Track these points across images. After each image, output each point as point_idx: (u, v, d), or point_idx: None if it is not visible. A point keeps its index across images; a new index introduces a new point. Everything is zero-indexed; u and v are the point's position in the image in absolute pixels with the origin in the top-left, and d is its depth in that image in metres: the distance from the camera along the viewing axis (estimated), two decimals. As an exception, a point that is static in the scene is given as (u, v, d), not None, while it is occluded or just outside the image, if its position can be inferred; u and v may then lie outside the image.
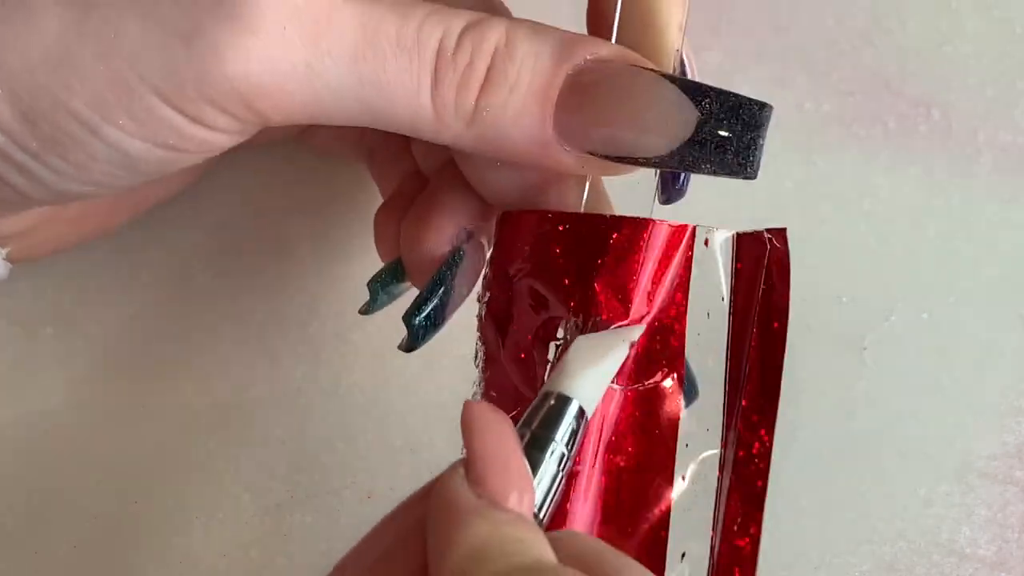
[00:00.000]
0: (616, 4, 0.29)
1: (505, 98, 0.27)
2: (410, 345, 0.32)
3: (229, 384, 0.37)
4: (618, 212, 0.31)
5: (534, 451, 0.25)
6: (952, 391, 0.38)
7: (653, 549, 0.28)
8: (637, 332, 0.28)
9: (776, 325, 0.29)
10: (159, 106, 0.26)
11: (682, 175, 0.32)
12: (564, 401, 0.26)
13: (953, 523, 0.38)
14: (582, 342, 0.28)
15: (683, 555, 0.29)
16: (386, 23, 0.27)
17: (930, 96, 0.40)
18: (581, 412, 0.26)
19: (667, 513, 0.28)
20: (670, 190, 0.31)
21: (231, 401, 0.37)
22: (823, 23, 0.40)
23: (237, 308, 0.38)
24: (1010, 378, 0.38)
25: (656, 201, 0.31)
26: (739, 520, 0.29)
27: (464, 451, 0.24)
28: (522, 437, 0.25)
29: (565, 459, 0.25)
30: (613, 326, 0.28)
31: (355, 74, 0.26)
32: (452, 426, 0.37)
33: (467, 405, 0.25)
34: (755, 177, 0.27)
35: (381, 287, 0.33)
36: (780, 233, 0.29)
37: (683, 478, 0.29)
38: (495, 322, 0.30)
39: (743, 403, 0.29)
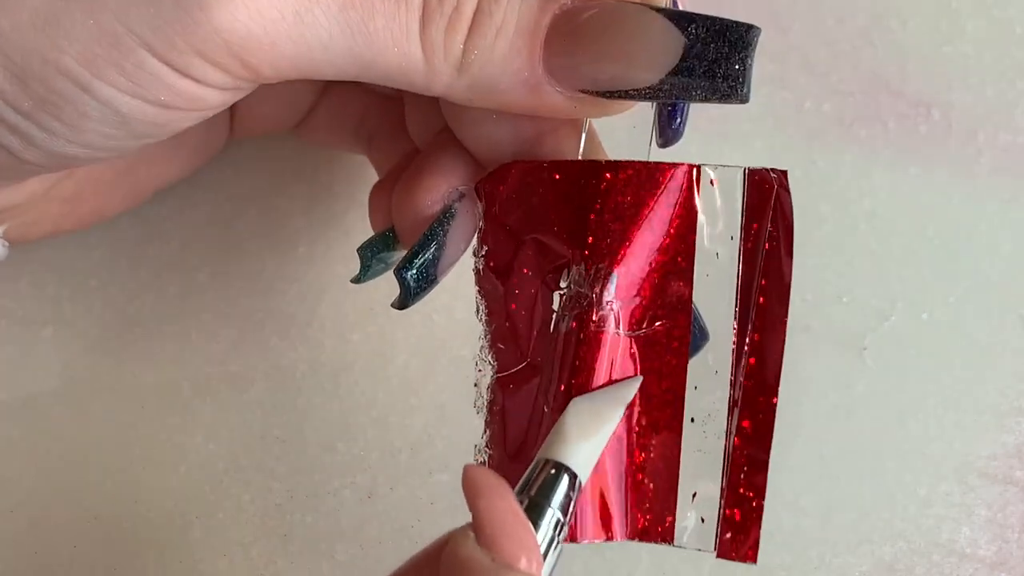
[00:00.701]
0: None
1: (492, 40, 0.27)
2: (402, 302, 0.31)
3: (229, 384, 0.37)
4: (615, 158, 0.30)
5: (532, 516, 0.26)
6: (952, 391, 0.38)
7: (668, 492, 0.29)
8: (634, 388, 0.28)
9: (783, 270, 0.29)
10: (149, 60, 0.26)
11: (678, 116, 0.32)
12: (560, 469, 0.26)
13: (953, 523, 0.38)
14: (579, 406, 0.28)
15: (694, 495, 0.29)
16: None
17: (930, 96, 0.40)
18: (575, 479, 0.26)
19: (678, 454, 0.29)
20: (667, 132, 0.31)
21: (231, 401, 0.37)
22: (823, 23, 0.40)
23: (237, 308, 0.38)
24: (1010, 378, 0.38)
25: (654, 144, 0.31)
26: (745, 468, 0.29)
27: (471, 514, 0.25)
28: (520, 503, 0.26)
29: (561, 525, 0.26)
30: (615, 273, 0.28)
31: (344, 23, 0.27)
32: (452, 426, 0.37)
33: (468, 469, 0.25)
34: (747, 100, 0.27)
35: (372, 253, 0.33)
36: (783, 173, 0.29)
37: (692, 420, 0.29)
38: (495, 274, 0.30)
39: (755, 337, 0.29)
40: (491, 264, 0.30)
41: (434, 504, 0.37)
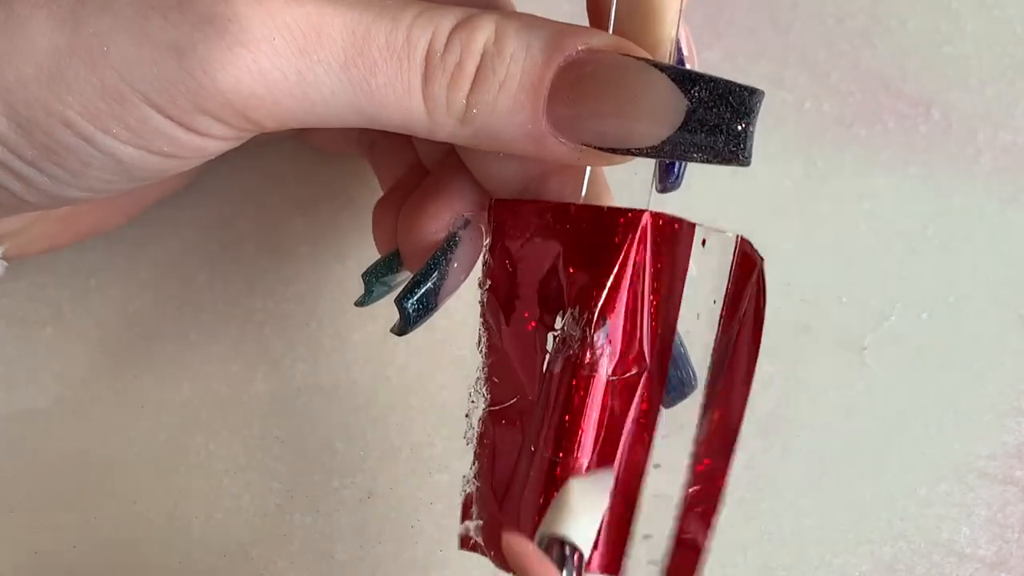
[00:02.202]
0: None
1: (495, 95, 0.27)
2: (402, 328, 0.32)
3: (229, 384, 0.37)
4: (618, 201, 0.30)
5: None
6: (952, 391, 0.38)
7: (618, 531, 0.29)
8: (609, 478, 0.29)
9: (751, 351, 0.29)
10: (153, 116, 0.26)
11: (677, 165, 0.32)
12: (566, 545, 0.26)
13: (953, 523, 0.38)
14: (575, 485, 0.28)
15: (645, 536, 0.29)
16: (375, 29, 0.27)
17: (930, 96, 0.40)
18: (580, 556, 0.27)
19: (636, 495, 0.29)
20: (666, 180, 0.31)
21: (231, 401, 0.37)
22: (823, 23, 0.40)
23: (237, 308, 0.38)
24: (1010, 378, 0.38)
25: (654, 191, 0.31)
26: (695, 518, 0.29)
27: None
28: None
29: None
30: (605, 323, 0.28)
31: (346, 81, 0.27)
32: (452, 426, 0.37)
33: (514, 540, 0.26)
34: (748, 164, 0.27)
35: (375, 279, 0.33)
36: (758, 257, 0.29)
37: (656, 467, 0.29)
38: (496, 309, 0.30)
39: (715, 417, 0.29)
40: (494, 299, 0.30)
41: (434, 504, 0.37)
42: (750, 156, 0.27)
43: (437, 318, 0.38)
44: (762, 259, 0.29)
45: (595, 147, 0.28)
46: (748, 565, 0.37)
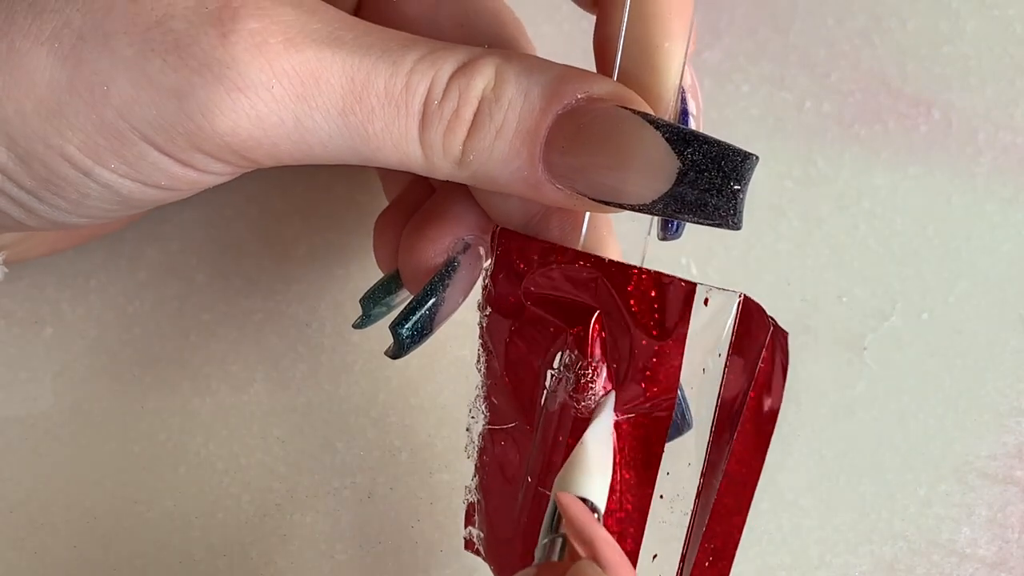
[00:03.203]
0: (619, 44, 0.29)
1: (491, 142, 0.27)
2: (396, 353, 0.32)
3: (229, 384, 0.37)
4: (619, 235, 0.31)
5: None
6: (952, 391, 0.38)
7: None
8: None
9: (768, 412, 0.29)
10: (150, 152, 0.27)
11: (674, 224, 0.32)
12: (586, 504, 0.26)
13: (953, 523, 0.38)
14: (591, 441, 0.28)
15: (654, 557, 0.30)
16: (375, 75, 0.27)
17: (930, 96, 0.40)
18: (595, 511, 0.27)
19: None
20: (666, 231, 0.32)
21: (231, 401, 0.37)
22: (823, 23, 0.40)
23: (236, 308, 0.38)
24: (1010, 378, 0.38)
25: (653, 237, 0.31)
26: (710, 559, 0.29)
27: (592, 545, 0.25)
28: (552, 543, 0.26)
29: None
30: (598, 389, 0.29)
31: (343, 126, 0.27)
32: (452, 426, 0.37)
33: (570, 500, 0.25)
34: (739, 228, 0.27)
35: (373, 304, 0.33)
36: (783, 331, 0.29)
37: (661, 496, 0.29)
38: (495, 337, 0.30)
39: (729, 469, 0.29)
40: (491, 327, 0.30)
41: (434, 504, 0.37)
42: (741, 221, 0.27)
43: (437, 318, 0.38)
44: (775, 328, 0.29)
45: (588, 198, 0.28)
46: (748, 565, 0.37)
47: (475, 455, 0.31)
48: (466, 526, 0.32)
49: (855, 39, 0.40)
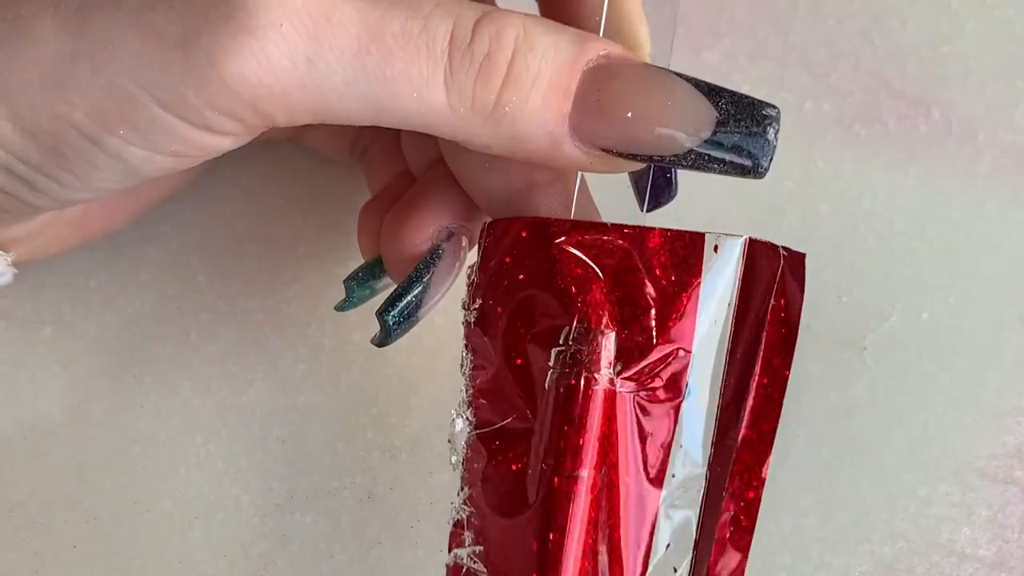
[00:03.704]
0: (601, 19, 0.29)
1: (527, 92, 0.27)
2: (382, 340, 0.32)
3: (229, 384, 0.37)
4: (605, 218, 0.30)
5: None
6: (952, 391, 0.38)
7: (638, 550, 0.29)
8: None
9: (779, 360, 0.29)
10: (162, 115, 0.26)
11: (673, 180, 0.32)
12: None
13: (953, 523, 0.38)
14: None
15: (667, 545, 0.29)
16: (390, 16, 0.26)
17: (930, 96, 0.40)
18: None
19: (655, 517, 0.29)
20: (661, 195, 0.31)
21: (231, 401, 0.37)
22: (823, 23, 0.40)
23: (236, 308, 0.38)
24: (1010, 378, 0.38)
25: (646, 206, 0.31)
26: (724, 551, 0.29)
27: None
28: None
29: None
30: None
31: (358, 68, 0.26)
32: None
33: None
34: (764, 176, 0.27)
35: (357, 285, 0.33)
36: (797, 255, 0.29)
37: (673, 476, 0.29)
38: (487, 329, 0.30)
39: (744, 433, 0.29)
40: (482, 319, 0.29)
41: (434, 504, 0.37)
42: (768, 168, 0.27)
43: (436, 317, 0.38)
44: (787, 254, 0.28)
45: (615, 152, 0.27)
46: (748, 565, 0.37)
47: (461, 466, 0.30)
48: (451, 549, 0.30)
49: (855, 39, 0.40)
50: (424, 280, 0.31)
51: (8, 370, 0.37)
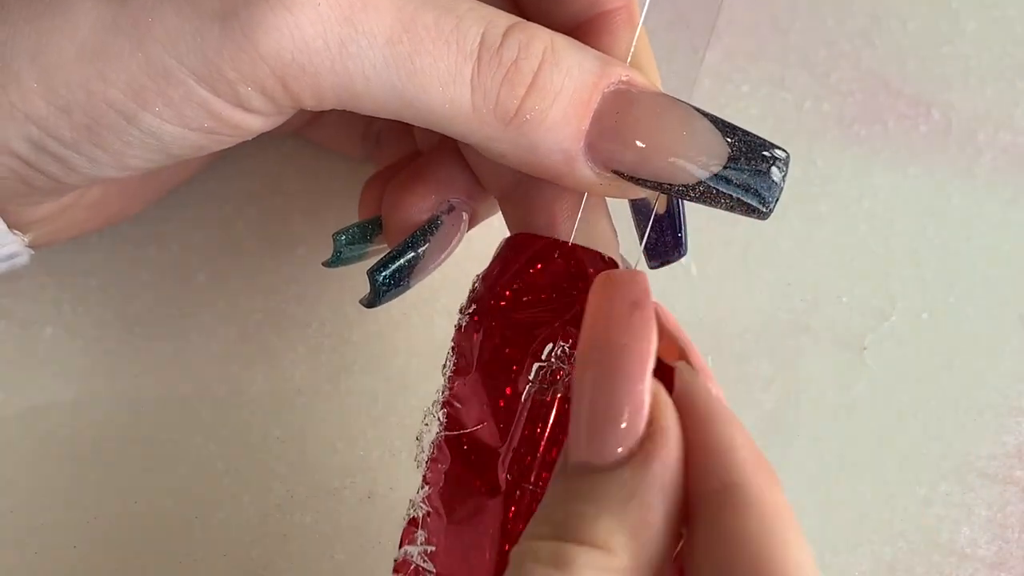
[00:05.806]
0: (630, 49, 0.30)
1: (550, 104, 0.27)
2: (371, 301, 0.32)
3: (228, 384, 0.37)
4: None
5: None
6: (952, 391, 0.38)
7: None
8: None
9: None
10: (196, 89, 0.26)
11: (682, 241, 0.32)
12: None
13: (953, 523, 0.38)
14: None
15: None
16: (424, 9, 0.26)
17: (930, 96, 0.40)
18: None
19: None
20: (670, 253, 0.32)
21: (231, 401, 0.37)
22: (823, 23, 0.40)
23: (236, 308, 0.38)
24: (1010, 378, 0.38)
25: (652, 263, 0.32)
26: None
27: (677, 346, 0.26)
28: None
29: None
30: None
31: (388, 56, 0.26)
32: (452, 426, 0.37)
33: (662, 309, 0.26)
34: (768, 216, 0.28)
35: (346, 240, 0.33)
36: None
37: None
38: (478, 335, 0.30)
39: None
40: (475, 325, 0.30)
41: (434, 504, 0.37)
42: (773, 209, 0.28)
43: (437, 318, 0.38)
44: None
45: (626, 176, 0.28)
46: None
47: (425, 465, 0.30)
48: (401, 546, 0.29)
49: (855, 39, 0.40)
50: (420, 247, 0.31)
51: (8, 370, 0.37)
